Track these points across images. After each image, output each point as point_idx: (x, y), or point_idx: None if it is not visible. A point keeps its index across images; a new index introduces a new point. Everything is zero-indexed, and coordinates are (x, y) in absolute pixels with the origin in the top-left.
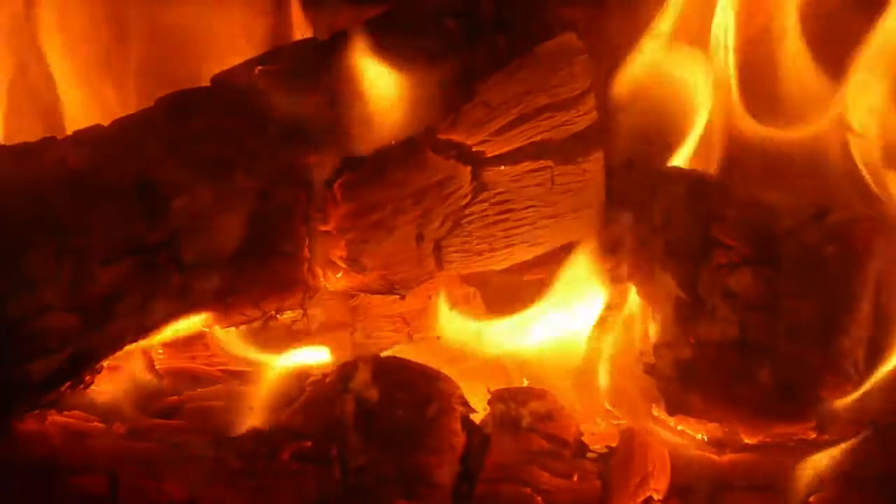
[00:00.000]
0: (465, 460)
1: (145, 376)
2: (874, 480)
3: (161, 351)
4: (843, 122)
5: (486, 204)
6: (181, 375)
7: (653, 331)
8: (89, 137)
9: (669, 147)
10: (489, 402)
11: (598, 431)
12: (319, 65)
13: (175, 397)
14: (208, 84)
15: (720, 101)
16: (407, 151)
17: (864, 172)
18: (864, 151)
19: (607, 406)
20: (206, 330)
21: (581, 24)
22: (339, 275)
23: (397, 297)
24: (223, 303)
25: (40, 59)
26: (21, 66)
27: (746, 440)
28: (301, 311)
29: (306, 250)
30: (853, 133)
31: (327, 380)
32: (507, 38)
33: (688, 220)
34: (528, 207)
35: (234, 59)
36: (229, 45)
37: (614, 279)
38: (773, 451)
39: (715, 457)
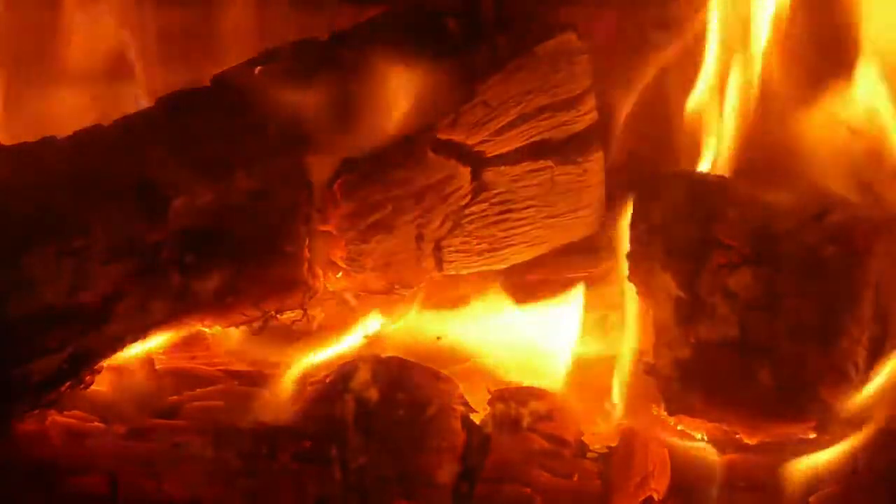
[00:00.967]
0: (465, 460)
1: (145, 376)
2: (874, 480)
3: (161, 351)
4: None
5: (486, 204)
6: (181, 375)
7: (653, 331)
8: (89, 137)
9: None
10: (489, 402)
11: (598, 431)
12: (319, 65)
13: (175, 397)
14: (208, 84)
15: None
16: (407, 151)
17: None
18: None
19: (607, 406)
20: (206, 330)
21: (581, 24)
22: (339, 275)
23: (397, 297)
24: (223, 303)
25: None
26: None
27: (746, 440)
28: (301, 311)
29: (306, 250)
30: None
31: (327, 380)
32: (507, 38)
33: (688, 220)
34: (528, 207)
35: (234, 59)
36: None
37: (610, 280)
38: (773, 451)
39: (715, 457)
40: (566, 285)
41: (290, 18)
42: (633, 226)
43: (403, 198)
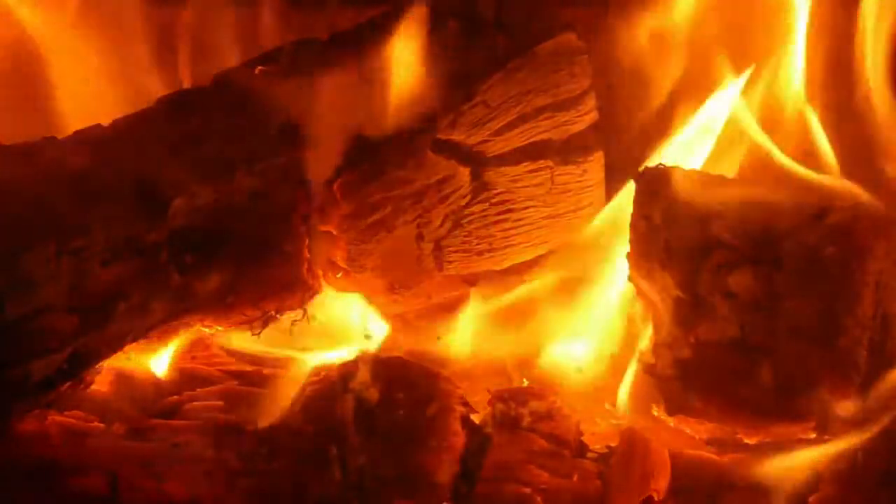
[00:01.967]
0: (465, 460)
1: (145, 376)
2: (874, 480)
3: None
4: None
5: (486, 204)
6: (181, 375)
7: (653, 331)
8: (89, 137)
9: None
10: (489, 402)
11: (598, 431)
12: (319, 65)
13: (175, 397)
14: (208, 84)
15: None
16: (407, 151)
17: None
18: None
19: (607, 406)
20: (206, 330)
21: (581, 24)
22: (339, 275)
23: (397, 297)
24: (223, 303)
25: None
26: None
27: (746, 440)
28: (301, 311)
29: (306, 250)
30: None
31: (327, 380)
32: (507, 38)
33: (688, 220)
34: (528, 207)
35: (234, 59)
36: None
37: (610, 280)
38: (773, 451)
39: (715, 457)
40: (566, 285)
41: (290, 18)
42: (633, 226)
43: (403, 198)
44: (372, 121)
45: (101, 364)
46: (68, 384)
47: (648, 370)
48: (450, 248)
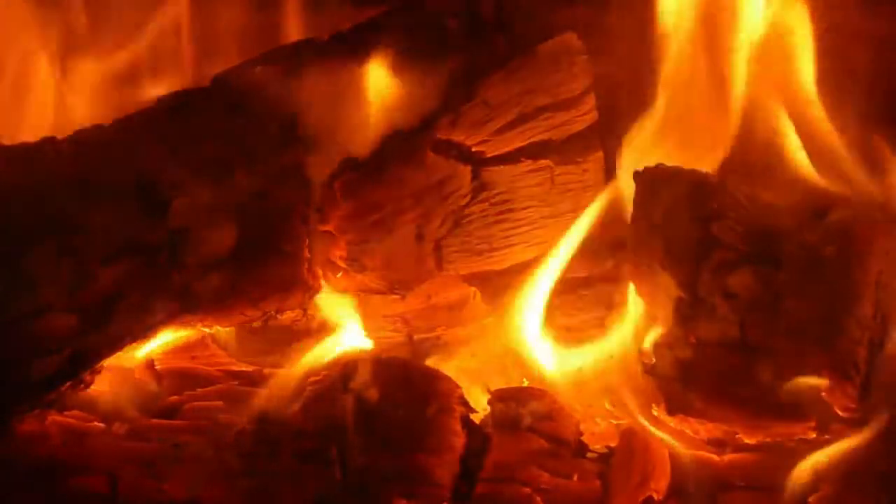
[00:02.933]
0: (465, 460)
1: (145, 376)
2: (874, 480)
3: (161, 351)
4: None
5: (486, 204)
6: (181, 375)
7: (653, 331)
8: (89, 137)
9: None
10: (489, 402)
11: (598, 431)
12: (319, 65)
13: (175, 397)
14: (208, 84)
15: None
16: (407, 151)
17: None
18: None
19: (607, 406)
20: (206, 330)
21: (581, 24)
22: (339, 275)
23: (397, 297)
24: (223, 303)
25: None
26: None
27: (746, 440)
28: (301, 311)
29: (306, 250)
30: None
31: (327, 380)
32: (507, 38)
33: (688, 220)
34: (528, 207)
35: (234, 59)
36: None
37: (614, 279)
38: (773, 451)
39: (715, 457)
40: (567, 285)
41: (290, 18)
42: (633, 226)
43: (403, 198)
44: (372, 121)
45: (101, 364)
46: (68, 384)
47: (648, 370)
48: (450, 248)
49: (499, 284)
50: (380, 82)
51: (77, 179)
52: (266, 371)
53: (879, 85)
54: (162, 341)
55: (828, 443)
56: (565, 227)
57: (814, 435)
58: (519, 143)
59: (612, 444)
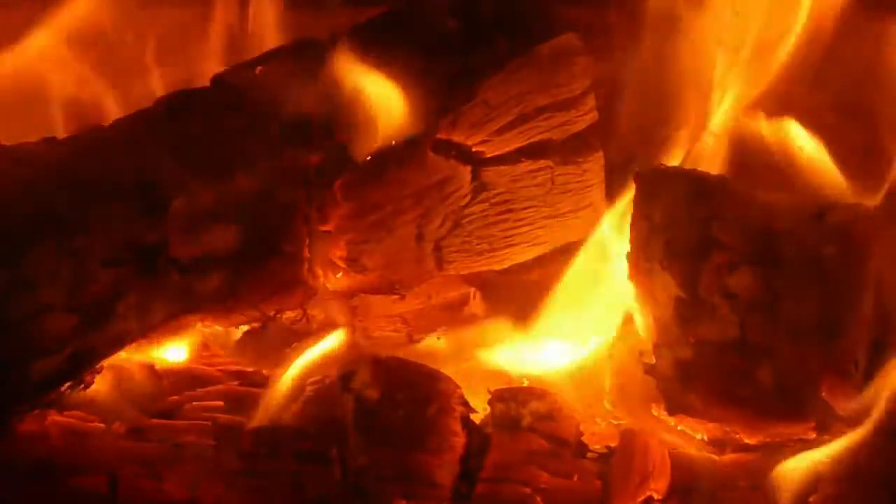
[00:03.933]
0: (465, 460)
1: (145, 376)
2: (874, 480)
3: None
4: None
5: (486, 204)
6: (181, 375)
7: (653, 331)
8: (89, 137)
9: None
10: (489, 402)
11: (598, 431)
12: (319, 65)
13: (175, 397)
14: (208, 84)
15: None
16: (407, 151)
17: None
18: None
19: (607, 406)
20: (206, 330)
21: (581, 24)
22: (339, 275)
23: (397, 297)
24: (223, 303)
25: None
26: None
27: (746, 440)
28: (301, 312)
29: (306, 250)
30: None
31: (327, 380)
32: (507, 38)
33: (688, 220)
34: (528, 207)
35: (234, 60)
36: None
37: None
38: (773, 451)
39: (715, 457)
40: (566, 285)
41: (290, 18)
42: (633, 226)
43: (403, 198)
44: (372, 121)
45: (101, 364)
46: (68, 384)
47: (648, 370)
48: (450, 248)
49: (499, 284)
50: (379, 82)
51: (77, 179)
52: (266, 371)
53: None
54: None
55: (828, 443)
56: (565, 227)
57: (814, 435)
58: (519, 144)
59: (612, 444)
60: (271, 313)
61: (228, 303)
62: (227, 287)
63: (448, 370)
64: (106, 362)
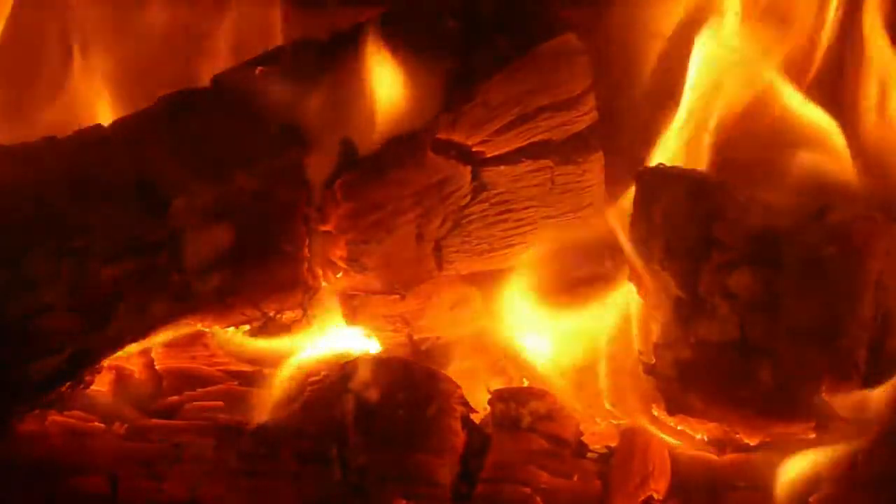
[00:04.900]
0: (465, 460)
1: (145, 376)
2: (874, 480)
3: (161, 351)
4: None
5: (486, 204)
6: (181, 375)
7: (653, 331)
8: (89, 137)
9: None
10: (489, 402)
11: (598, 431)
12: (319, 65)
13: (175, 397)
14: (208, 84)
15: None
16: (407, 151)
17: None
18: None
19: (607, 406)
20: (206, 330)
21: (581, 24)
22: (339, 275)
23: (397, 297)
24: (223, 303)
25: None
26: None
27: (746, 440)
28: (301, 311)
29: (306, 250)
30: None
31: (327, 380)
32: (507, 38)
33: (688, 220)
34: (528, 207)
35: (234, 59)
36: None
37: (613, 278)
38: (773, 451)
39: (715, 457)
40: (570, 285)
41: (290, 18)
42: (633, 226)
43: (403, 198)
44: (372, 121)
45: (101, 364)
46: (68, 384)
47: (648, 370)
48: (450, 248)
49: (499, 284)
50: (379, 82)
51: (77, 179)
52: (266, 371)
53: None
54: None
55: (828, 443)
56: (565, 227)
57: (814, 435)
58: (519, 144)
59: (612, 444)
60: (271, 313)
61: (228, 302)
62: (227, 287)
63: (448, 370)
64: (106, 362)
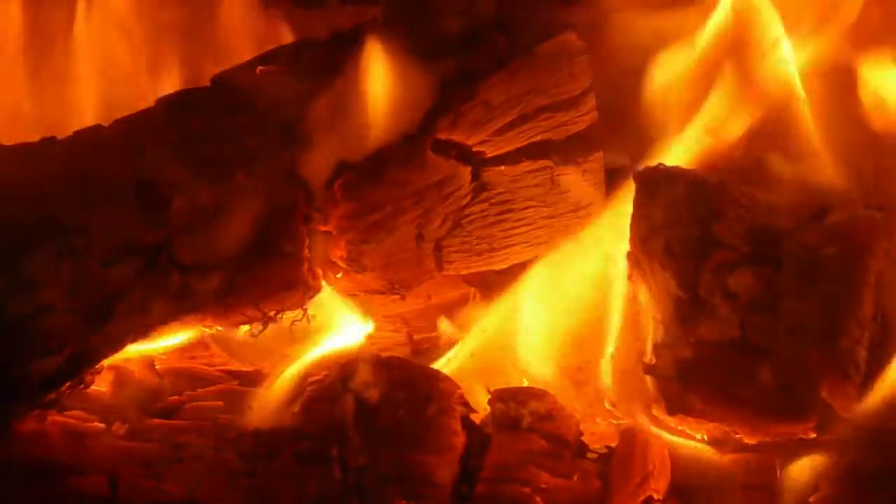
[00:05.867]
0: (465, 460)
1: (145, 376)
2: (874, 480)
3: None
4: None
5: (486, 204)
6: (181, 375)
7: (653, 331)
8: (89, 137)
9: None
10: (489, 402)
11: (598, 431)
12: (319, 65)
13: (175, 397)
14: (208, 84)
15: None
16: (407, 151)
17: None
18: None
19: (607, 406)
20: (207, 330)
21: (581, 24)
22: (339, 275)
23: (397, 297)
24: (223, 303)
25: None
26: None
27: (746, 440)
28: (301, 311)
29: (306, 250)
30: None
31: (327, 380)
32: (507, 38)
33: (688, 220)
34: (528, 207)
35: (234, 59)
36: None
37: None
38: (773, 451)
39: (715, 457)
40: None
41: (290, 18)
42: (633, 226)
43: (403, 198)
44: (372, 121)
45: (101, 364)
46: (68, 384)
47: (648, 370)
48: (450, 248)
49: (499, 284)
50: (380, 82)
51: (77, 179)
52: (266, 371)
53: None
54: (165, 343)
55: (828, 443)
56: (565, 227)
57: (814, 435)
58: (519, 144)
59: (612, 444)
60: (271, 313)
61: (228, 302)
62: (227, 287)
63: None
64: (106, 362)
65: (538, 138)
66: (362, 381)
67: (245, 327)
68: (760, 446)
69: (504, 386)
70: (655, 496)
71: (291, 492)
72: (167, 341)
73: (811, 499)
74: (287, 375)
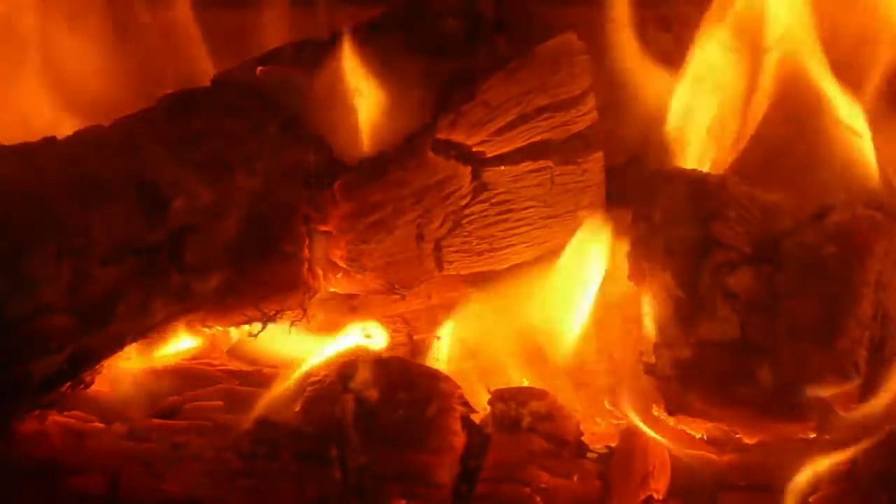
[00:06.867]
0: (465, 460)
1: (145, 376)
2: (874, 480)
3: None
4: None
5: (486, 204)
6: (181, 375)
7: (653, 331)
8: (89, 137)
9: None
10: (489, 402)
11: (598, 431)
12: (320, 65)
13: (175, 397)
14: (208, 84)
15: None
16: (407, 151)
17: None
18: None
19: (607, 406)
20: (206, 330)
21: (581, 24)
22: (339, 275)
23: (397, 297)
24: (223, 303)
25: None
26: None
27: (746, 440)
28: (301, 312)
29: (306, 250)
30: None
31: (327, 380)
32: (507, 38)
33: (688, 220)
34: (528, 207)
35: (236, 59)
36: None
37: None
38: (773, 451)
39: (715, 457)
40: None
41: (290, 18)
42: (633, 226)
43: (403, 198)
44: (372, 121)
45: (101, 364)
46: (68, 384)
47: (648, 370)
48: (450, 248)
49: (499, 284)
50: (379, 82)
51: (77, 179)
52: (266, 371)
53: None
54: (172, 347)
55: (828, 443)
56: (565, 227)
57: (814, 435)
58: (519, 144)
59: (612, 444)
60: (271, 313)
61: (228, 302)
62: (227, 287)
63: (448, 370)
64: (106, 362)
65: (538, 138)
66: (362, 381)
67: (245, 327)
68: (760, 446)
69: (504, 386)
70: (655, 496)
71: (291, 492)
72: (173, 348)
73: (811, 499)
74: (287, 375)
